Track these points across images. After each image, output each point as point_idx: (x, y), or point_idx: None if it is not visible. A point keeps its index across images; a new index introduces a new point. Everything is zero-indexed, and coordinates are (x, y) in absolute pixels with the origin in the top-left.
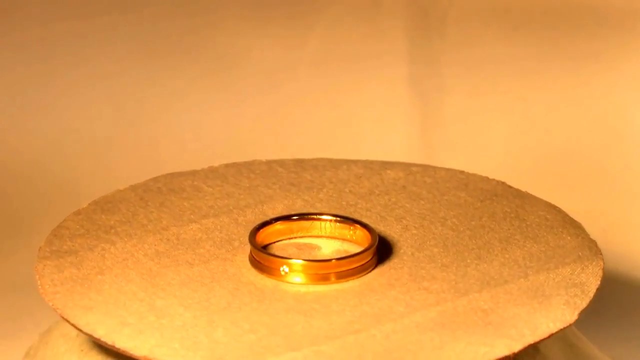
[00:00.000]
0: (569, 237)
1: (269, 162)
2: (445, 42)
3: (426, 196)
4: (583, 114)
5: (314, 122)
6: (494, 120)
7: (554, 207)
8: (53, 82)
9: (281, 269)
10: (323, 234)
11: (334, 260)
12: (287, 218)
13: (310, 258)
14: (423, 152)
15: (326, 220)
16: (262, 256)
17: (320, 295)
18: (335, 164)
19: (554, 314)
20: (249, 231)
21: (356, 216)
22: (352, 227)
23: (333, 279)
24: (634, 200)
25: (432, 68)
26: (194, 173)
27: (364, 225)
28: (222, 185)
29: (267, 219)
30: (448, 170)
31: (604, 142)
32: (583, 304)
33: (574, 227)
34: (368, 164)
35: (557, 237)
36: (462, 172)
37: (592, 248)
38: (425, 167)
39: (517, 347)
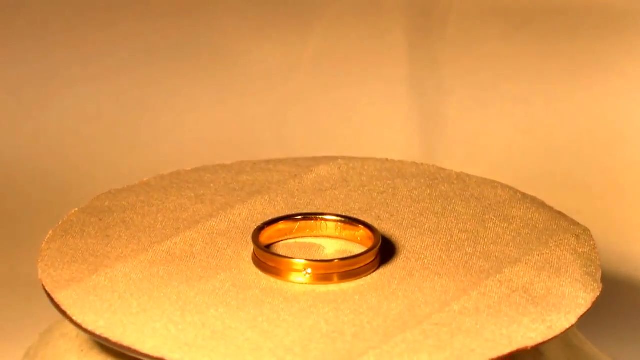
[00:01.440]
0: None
1: (196, 170)
2: (445, 42)
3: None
4: (583, 114)
5: (313, 122)
6: (494, 120)
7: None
8: (53, 81)
9: (304, 272)
10: (326, 234)
11: (336, 261)
12: (290, 218)
13: (313, 258)
14: (423, 152)
15: (330, 220)
16: (266, 256)
17: (323, 295)
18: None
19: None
20: (243, 232)
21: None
22: (355, 228)
23: (336, 279)
24: (634, 201)
25: (432, 68)
26: (131, 189)
27: (368, 226)
28: (168, 197)
29: (270, 218)
30: (376, 160)
31: (604, 142)
32: (598, 274)
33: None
34: (296, 162)
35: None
36: (387, 159)
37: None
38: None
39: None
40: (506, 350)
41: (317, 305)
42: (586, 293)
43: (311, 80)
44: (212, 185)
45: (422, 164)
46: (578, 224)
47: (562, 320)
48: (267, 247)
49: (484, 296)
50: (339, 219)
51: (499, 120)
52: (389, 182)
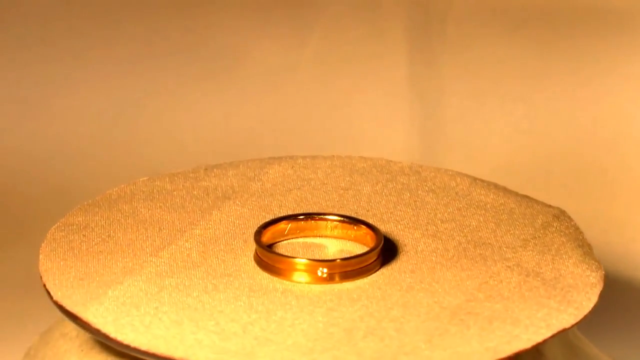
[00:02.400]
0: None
1: (151, 180)
2: (445, 43)
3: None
4: (583, 115)
5: (313, 122)
6: (494, 121)
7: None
8: (53, 82)
9: (319, 270)
10: (329, 234)
11: (338, 260)
12: (292, 217)
13: (315, 258)
14: (423, 152)
15: (332, 220)
16: (267, 255)
17: (324, 295)
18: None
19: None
20: (233, 237)
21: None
22: (357, 228)
23: (338, 278)
24: (634, 201)
25: (432, 69)
26: (97, 203)
27: (370, 226)
28: (139, 209)
29: (273, 218)
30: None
31: (604, 142)
32: (593, 253)
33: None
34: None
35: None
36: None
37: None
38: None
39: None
40: (548, 334)
41: (317, 305)
42: (594, 272)
43: (311, 80)
44: (176, 193)
45: (369, 157)
46: (550, 205)
47: (585, 300)
48: (269, 247)
49: (501, 283)
50: (340, 218)
51: (499, 120)
52: (347, 178)
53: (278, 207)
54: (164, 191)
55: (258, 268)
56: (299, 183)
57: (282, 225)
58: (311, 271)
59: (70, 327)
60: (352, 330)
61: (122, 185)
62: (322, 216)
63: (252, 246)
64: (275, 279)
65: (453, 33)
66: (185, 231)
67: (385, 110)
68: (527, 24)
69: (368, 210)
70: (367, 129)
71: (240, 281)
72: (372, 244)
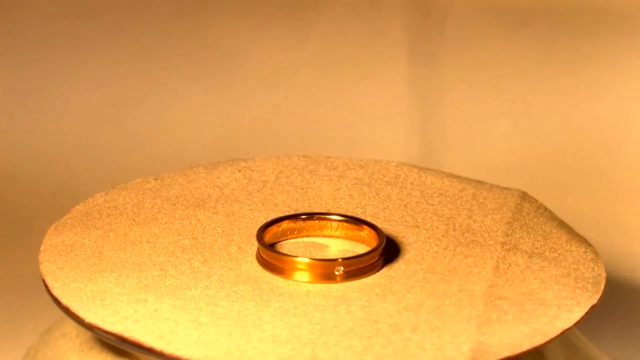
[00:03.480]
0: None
1: (109, 194)
2: (445, 42)
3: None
4: (583, 114)
5: (313, 122)
6: (494, 121)
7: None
8: (53, 82)
9: (336, 269)
10: (331, 233)
11: (340, 260)
12: (295, 217)
13: (317, 257)
14: (423, 152)
15: (334, 220)
16: (269, 254)
17: (325, 294)
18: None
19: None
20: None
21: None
22: (359, 228)
23: (339, 278)
24: (634, 201)
25: (431, 68)
26: (72, 221)
27: (372, 226)
28: (117, 225)
29: (275, 217)
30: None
31: (604, 142)
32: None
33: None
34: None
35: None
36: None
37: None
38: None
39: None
40: (582, 311)
41: (319, 304)
42: (588, 247)
43: (311, 80)
44: (147, 205)
45: (308, 155)
46: (509, 188)
47: (596, 274)
48: (272, 246)
49: (511, 266)
50: (342, 218)
51: (499, 120)
52: (300, 177)
53: (251, 212)
54: (130, 204)
55: (260, 267)
56: (259, 186)
57: (284, 225)
58: (313, 270)
59: (70, 327)
60: (396, 324)
61: (87, 200)
62: (324, 216)
63: (248, 249)
64: (277, 277)
65: (453, 33)
66: (175, 242)
67: (385, 110)
68: (527, 24)
69: (341, 207)
70: (367, 128)
71: (254, 287)
72: (374, 244)
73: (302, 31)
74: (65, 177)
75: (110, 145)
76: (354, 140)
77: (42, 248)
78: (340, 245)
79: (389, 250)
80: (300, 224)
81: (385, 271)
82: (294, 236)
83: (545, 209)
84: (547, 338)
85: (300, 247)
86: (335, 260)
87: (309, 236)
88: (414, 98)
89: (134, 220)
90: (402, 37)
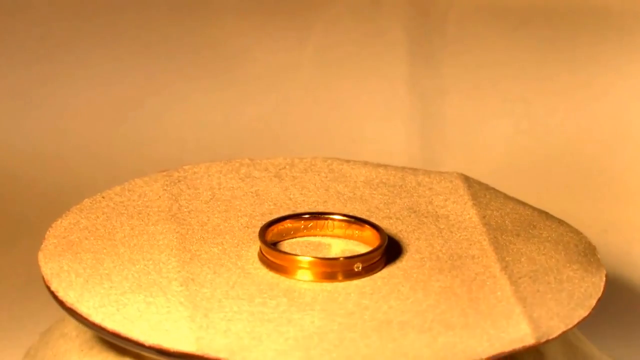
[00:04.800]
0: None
1: (79, 210)
2: (445, 42)
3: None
4: (583, 114)
5: (313, 122)
6: (494, 121)
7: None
8: (53, 82)
9: (355, 265)
10: (333, 233)
11: (341, 259)
12: (297, 216)
13: (318, 256)
14: (423, 152)
15: (336, 219)
16: (272, 253)
17: (326, 293)
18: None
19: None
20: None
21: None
22: (361, 227)
23: (340, 277)
24: (634, 201)
25: (432, 68)
26: (54, 244)
27: (374, 226)
28: (103, 239)
29: (277, 217)
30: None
31: (604, 143)
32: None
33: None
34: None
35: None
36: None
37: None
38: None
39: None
40: (601, 290)
41: (319, 302)
42: (560, 221)
43: (311, 80)
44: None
45: (231, 160)
46: (445, 172)
47: (589, 247)
48: (274, 245)
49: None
50: (344, 218)
51: (499, 120)
52: (248, 181)
53: (209, 219)
54: (103, 217)
55: (262, 266)
56: (217, 192)
57: (286, 224)
58: (315, 269)
59: (70, 327)
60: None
61: (60, 222)
62: (326, 215)
63: (247, 248)
64: (278, 276)
65: (453, 33)
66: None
67: (385, 110)
68: (527, 24)
69: (310, 207)
70: (367, 128)
71: (223, 268)
72: (375, 243)
73: (302, 31)
74: (65, 177)
75: (110, 145)
76: (354, 140)
77: (42, 248)
78: (341, 244)
79: (389, 249)
80: (302, 223)
81: (388, 269)
82: (295, 235)
83: (488, 187)
84: (588, 311)
85: (301, 247)
86: (336, 259)
87: (311, 235)
88: (414, 98)
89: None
90: (402, 37)
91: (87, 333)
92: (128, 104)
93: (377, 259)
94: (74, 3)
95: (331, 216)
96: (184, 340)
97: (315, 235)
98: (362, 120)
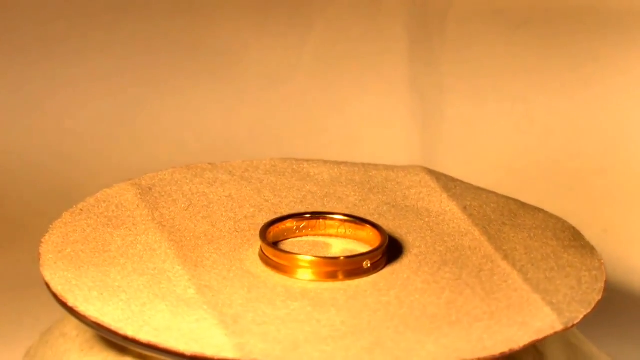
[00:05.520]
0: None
1: (63, 224)
2: (445, 42)
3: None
4: (583, 114)
5: (313, 121)
6: (494, 120)
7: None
8: (53, 81)
9: (364, 263)
10: (334, 233)
11: (342, 258)
12: (298, 216)
13: (320, 255)
14: (423, 152)
15: (337, 219)
16: (273, 252)
17: (327, 292)
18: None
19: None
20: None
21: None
22: (362, 227)
23: (341, 276)
24: (634, 201)
25: (432, 67)
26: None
27: (375, 226)
28: (99, 248)
29: (279, 216)
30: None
31: (604, 143)
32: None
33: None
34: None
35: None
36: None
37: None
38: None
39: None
40: (604, 272)
41: (320, 301)
42: (565, 221)
43: (310, 79)
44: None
45: (210, 163)
46: (408, 166)
47: (575, 230)
48: (275, 244)
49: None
50: (345, 218)
51: (499, 120)
52: (227, 186)
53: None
54: (92, 228)
55: (262, 265)
56: (187, 199)
57: (287, 223)
58: (315, 268)
59: (70, 326)
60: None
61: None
62: (327, 215)
63: (244, 251)
64: (279, 276)
65: (453, 32)
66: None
67: (385, 110)
68: (527, 23)
69: (289, 208)
70: (367, 128)
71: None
72: (376, 243)
73: (302, 30)
74: (66, 177)
75: (110, 145)
76: (354, 140)
77: (42, 264)
78: (342, 244)
79: (390, 248)
80: (303, 223)
81: (391, 267)
82: (296, 235)
83: (453, 178)
84: (601, 294)
85: (302, 246)
86: (337, 258)
87: (311, 235)
88: (414, 97)
89: (121, 230)
90: (402, 36)
91: (87, 333)
92: (128, 103)
93: (380, 257)
94: (74, 3)
95: (332, 216)
96: (224, 347)
97: (315, 235)
98: (362, 120)
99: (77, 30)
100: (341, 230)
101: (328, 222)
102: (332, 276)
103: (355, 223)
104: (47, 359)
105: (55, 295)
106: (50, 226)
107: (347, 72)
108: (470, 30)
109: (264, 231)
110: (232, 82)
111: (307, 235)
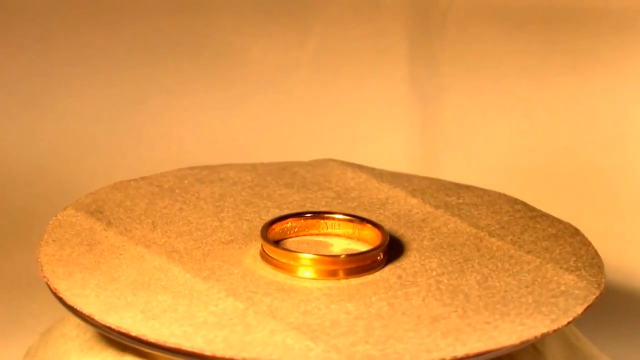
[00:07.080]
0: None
1: (57, 227)
2: (445, 42)
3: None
4: (583, 114)
5: (313, 122)
6: (494, 120)
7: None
8: (53, 82)
9: (378, 257)
10: (335, 232)
11: (343, 256)
12: (299, 215)
13: (320, 253)
14: (423, 152)
15: (338, 219)
16: (274, 250)
17: (327, 291)
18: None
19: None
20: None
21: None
22: (363, 227)
23: (342, 275)
24: (634, 201)
25: (432, 68)
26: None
27: (376, 225)
28: (99, 249)
29: (280, 215)
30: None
31: (604, 143)
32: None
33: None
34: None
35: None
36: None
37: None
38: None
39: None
40: (603, 274)
41: (320, 300)
42: (510, 196)
43: (310, 80)
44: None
45: (194, 167)
46: (321, 159)
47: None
48: (276, 243)
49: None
50: (346, 217)
51: (499, 120)
52: (216, 189)
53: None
54: (88, 231)
55: (263, 263)
56: (186, 197)
57: (288, 222)
58: (317, 266)
59: (70, 326)
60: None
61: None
62: (328, 215)
63: (250, 247)
64: (281, 274)
65: (453, 32)
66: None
67: (385, 110)
68: (527, 23)
69: (287, 210)
70: (367, 128)
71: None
72: (377, 242)
73: (302, 31)
74: (66, 176)
75: (110, 145)
76: (354, 140)
77: (46, 275)
78: (343, 243)
79: (391, 248)
80: (304, 222)
81: (391, 267)
82: (297, 234)
83: (361, 165)
84: (603, 270)
85: (303, 245)
86: (338, 256)
87: (312, 235)
88: (414, 98)
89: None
90: (402, 37)
91: (87, 333)
92: (128, 104)
93: (378, 257)
94: (74, 3)
95: (333, 215)
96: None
97: (316, 234)
98: (362, 120)
99: (77, 30)
100: (342, 230)
101: (328, 221)
102: (333, 274)
103: (356, 222)
104: (47, 359)
105: (55, 295)
106: (50, 225)
107: (347, 72)
108: (470, 30)
109: (265, 229)
110: (232, 82)
111: (309, 235)
